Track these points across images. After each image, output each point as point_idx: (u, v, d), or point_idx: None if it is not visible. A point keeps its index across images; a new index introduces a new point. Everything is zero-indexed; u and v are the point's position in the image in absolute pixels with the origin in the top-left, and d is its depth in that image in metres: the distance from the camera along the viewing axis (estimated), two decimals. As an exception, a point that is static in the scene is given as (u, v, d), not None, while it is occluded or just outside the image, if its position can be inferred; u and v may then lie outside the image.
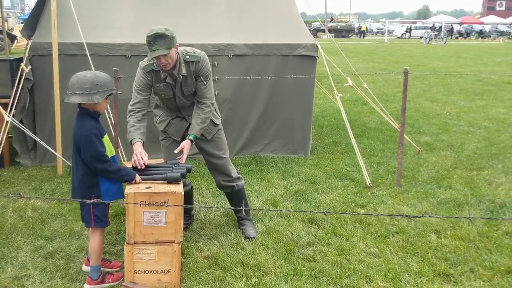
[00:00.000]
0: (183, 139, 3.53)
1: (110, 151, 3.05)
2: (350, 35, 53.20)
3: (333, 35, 46.58)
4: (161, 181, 3.08)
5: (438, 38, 40.32)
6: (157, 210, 2.96)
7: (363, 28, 56.65)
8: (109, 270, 3.23)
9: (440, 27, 46.28)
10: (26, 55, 5.13)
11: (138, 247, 3.01)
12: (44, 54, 5.14)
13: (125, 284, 3.00)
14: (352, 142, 5.28)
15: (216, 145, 3.68)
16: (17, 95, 4.94)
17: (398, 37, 52.48)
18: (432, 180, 5.12)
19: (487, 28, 54.00)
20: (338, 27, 54.15)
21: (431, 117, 8.46)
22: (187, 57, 3.38)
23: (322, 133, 7.18)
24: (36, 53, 5.16)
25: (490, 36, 50.67)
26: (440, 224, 3.99)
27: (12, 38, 12.71)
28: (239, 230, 3.85)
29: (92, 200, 2.12)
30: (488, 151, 6.24)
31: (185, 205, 3.10)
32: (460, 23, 59.35)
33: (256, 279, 3.15)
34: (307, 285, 3.11)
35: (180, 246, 3.08)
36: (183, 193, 2.99)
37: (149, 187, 3.00)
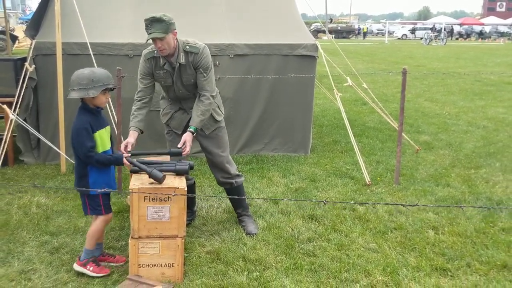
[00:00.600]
0: (185, 132, 3.58)
1: (102, 144, 3.13)
2: (350, 36, 53.28)
3: (333, 36, 46.63)
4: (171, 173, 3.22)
5: (438, 39, 40.38)
6: (161, 205, 3.03)
7: (365, 30, 56.73)
8: (113, 264, 3.31)
9: (441, 28, 46.29)
10: (30, 54, 5.20)
11: (142, 241, 3.08)
12: (48, 53, 5.21)
13: (129, 277, 3.07)
14: (351, 141, 5.35)
15: (216, 143, 3.74)
16: (21, 94, 5.01)
17: (399, 38, 52.51)
18: (430, 178, 5.18)
19: (487, 29, 53.98)
20: (339, 28, 54.23)
21: (430, 116, 8.52)
22: (187, 47, 3.45)
23: (322, 132, 7.25)
24: (40, 53, 5.24)
25: (490, 37, 50.68)
26: (438, 221, 4.06)
27: (13, 38, 12.78)
28: (240, 226, 3.92)
29: (102, 190, 2.21)
30: (486, 150, 6.31)
31: (189, 194, 3.25)
32: (460, 24, 59.40)
33: (258, 273, 3.21)
34: (307, 279, 3.17)
35: (183, 240, 3.16)
36: (186, 188, 3.07)
37: (152, 182, 3.07)
